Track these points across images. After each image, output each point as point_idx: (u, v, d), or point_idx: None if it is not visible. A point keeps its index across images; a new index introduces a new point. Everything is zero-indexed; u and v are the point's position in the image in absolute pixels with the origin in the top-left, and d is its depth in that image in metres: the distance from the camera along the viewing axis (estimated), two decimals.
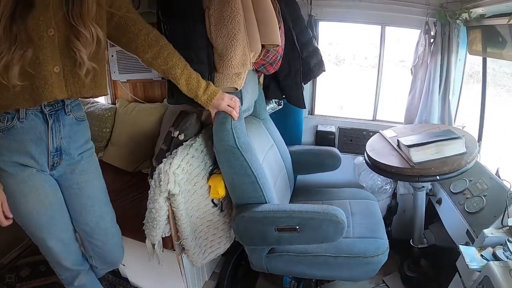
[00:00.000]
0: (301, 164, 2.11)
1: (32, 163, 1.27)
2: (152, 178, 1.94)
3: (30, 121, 1.22)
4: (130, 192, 2.15)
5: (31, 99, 1.17)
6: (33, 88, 1.16)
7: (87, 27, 1.18)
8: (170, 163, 1.48)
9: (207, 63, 1.52)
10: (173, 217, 1.59)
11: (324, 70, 2.09)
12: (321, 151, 2.14)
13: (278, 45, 1.64)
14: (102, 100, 3.05)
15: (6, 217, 1.27)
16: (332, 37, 2.89)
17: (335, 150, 2.13)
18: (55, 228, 1.38)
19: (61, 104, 1.28)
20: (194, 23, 1.51)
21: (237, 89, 1.57)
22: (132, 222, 1.77)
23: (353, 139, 2.44)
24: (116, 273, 2.21)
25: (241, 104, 1.61)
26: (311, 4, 2.22)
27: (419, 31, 2.12)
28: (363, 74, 3.45)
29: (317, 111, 2.57)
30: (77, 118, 1.36)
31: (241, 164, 1.53)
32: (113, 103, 3.06)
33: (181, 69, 1.45)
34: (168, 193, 1.48)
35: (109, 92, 3.07)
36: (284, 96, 2.08)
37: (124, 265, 2.08)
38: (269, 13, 1.60)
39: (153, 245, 1.66)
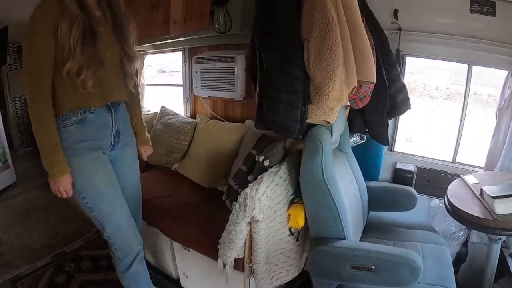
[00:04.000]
0: (376, 200, 2.05)
1: (100, 144, 1.66)
2: (227, 197, 1.98)
3: (98, 112, 1.63)
4: (204, 208, 2.18)
5: (101, 100, 1.62)
6: (102, 93, 1.60)
7: (131, 49, 1.71)
8: (257, 189, 1.50)
9: (302, 94, 1.52)
10: (249, 241, 1.61)
11: (410, 108, 2.03)
12: (398, 190, 2.08)
13: (373, 82, 1.62)
14: (181, 113, 3.19)
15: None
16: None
17: (412, 190, 2.06)
18: (121, 201, 1.74)
19: None
20: (292, 53, 1.52)
21: (329, 122, 1.56)
22: (204, 238, 1.83)
23: (431, 180, 2.35)
24: (176, 282, 2.26)
25: (331, 136, 1.61)
26: (399, 38, 2.19)
27: (506, 72, 2.03)
28: (434, 106, 3.34)
29: (397, 148, 2.50)
30: (125, 108, 1.82)
31: (326, 197, 1.52)
32: (191, 116, 3.18)
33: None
34: (251, 218, 1.50)
35: (189, 106, 3.23)
36: (367, 131, 2.05)
37: (186, 276, 2.13)
38: (367, 49, 1.58)
39: (224, 264, 1.68)
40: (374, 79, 1.59)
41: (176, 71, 4.29)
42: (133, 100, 1.89)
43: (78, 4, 1.47)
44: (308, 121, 1.56)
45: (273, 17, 1.60)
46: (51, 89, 1.51)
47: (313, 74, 1.48)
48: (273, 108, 1.60)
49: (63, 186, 1.55)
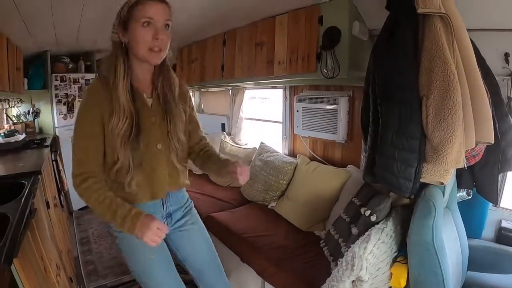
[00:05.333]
0: (476, 261, 1.92)
1: None
2: (325, 244, 1.96)
3: (148, 205, 1.51)
4: (301, 253, 2.16)
5: (149, 195, 1.52)
6: (151, 187, 1.51)
7: (182, 137, 1.55)
8: (365, 248, 1.47)
9: (418, 153, 1.47)
10: None
11: None
12: (501, 251, 1.92)
13: (491, 143, 1.53)
14: (280, 151, 3.26)
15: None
16: None
17: None
18: (172, 277, 1.61)
19: None
20: (411, 109, 1.47)
21: (442, 183, 1.50)
22: (300, 285, 1.83)
23: None
24: None
25: (443, 196, 1.54)
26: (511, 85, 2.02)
27: None
28: None
29: (503, 203, 2.20)
30: (182, 194, 1.70)
31: (433, 262, 1.46)
32: (290, 154, 3.22)
33: None
34: (356, 278, 1.47)
35: (288, 144, 3.28)
36: (474, 184, 1.91)
37: None
38: (486, 106, 1.51)
39: None
40: (492, 140, 1.51)
41: (265, 98, 4.42)
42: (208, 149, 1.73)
43: (131, 96, 1.38)
44: (421, 180, 1.50)
45: (388, 69, 1.57)
46: (101, 174, 1.43)
47: (431, 134, 1.43)
48: (386, 165, 1.56)
49: (154, 225, 1.31)
